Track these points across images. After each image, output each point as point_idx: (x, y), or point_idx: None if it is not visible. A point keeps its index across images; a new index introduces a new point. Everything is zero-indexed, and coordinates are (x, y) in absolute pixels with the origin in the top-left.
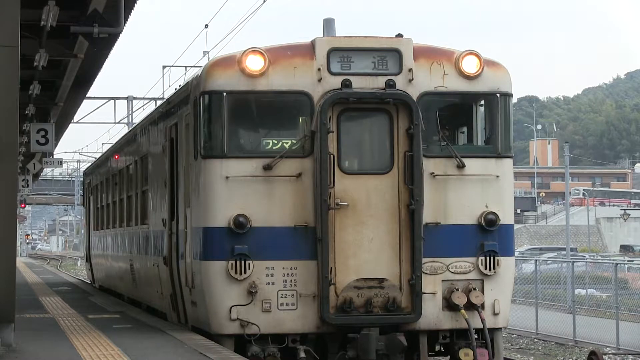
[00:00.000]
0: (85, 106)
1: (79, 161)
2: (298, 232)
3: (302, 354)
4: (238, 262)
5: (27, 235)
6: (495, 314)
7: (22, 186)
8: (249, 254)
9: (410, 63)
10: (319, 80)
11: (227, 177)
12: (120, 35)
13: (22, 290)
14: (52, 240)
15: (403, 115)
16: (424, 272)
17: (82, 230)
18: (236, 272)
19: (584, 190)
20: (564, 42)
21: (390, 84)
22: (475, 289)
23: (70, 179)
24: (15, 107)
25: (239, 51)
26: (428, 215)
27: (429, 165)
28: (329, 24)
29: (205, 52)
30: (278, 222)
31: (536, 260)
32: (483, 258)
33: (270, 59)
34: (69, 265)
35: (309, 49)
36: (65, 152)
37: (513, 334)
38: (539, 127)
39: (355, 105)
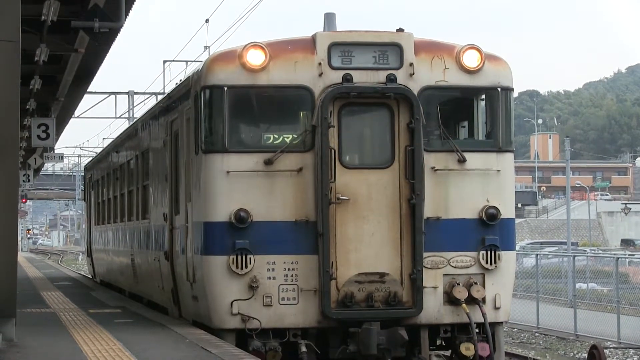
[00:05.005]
0: (86, 101)
1: (79, 156)
2: (299, 226)
3: (304, 349)
4: (239, 257)
5: (28, 230)
6: (496, 308)
7: (23, 181)
8: (250, 248)
9: (411, 57)
10: (320, 74)
11: (228, 172)
12: (121, 30)
13: (23, 285)
14: (53, 235)
15: (404, 110)
16: (425, 267)
17: (83, 225)
18: (237, 267)
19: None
20: (565, 36)
21: (391, 79)
22: (476, 283)
23: (71, 173)
24: (16, 102)
25: (239, 46)
26: (429, 210)
27: (430, 160)
28: (329, 19)
29: (206, 47)
30: (279, 216)
31: (537, 255)
32: (484, 252)
33: (271, 53)
34: (70, 260)
35: (310, 44)
36: (66, 147)
37: (514, 328)
38: (540, 121)
39: (356, 99)
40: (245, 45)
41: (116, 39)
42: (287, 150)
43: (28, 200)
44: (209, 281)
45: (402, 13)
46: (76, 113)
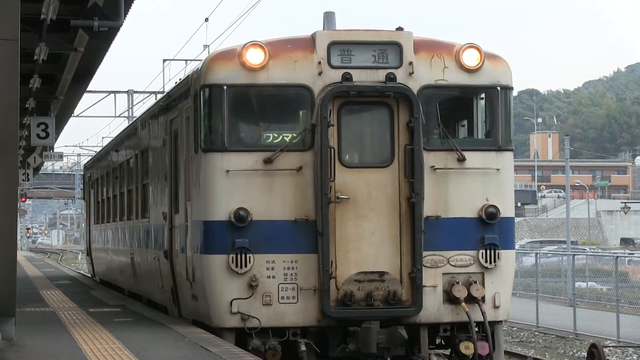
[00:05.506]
0: (86, 100)
1: (79, 155)
2: (299, 225)
3: (303, 348)
4: (239, 256)
5: (28, 229)
6: (495, 307)
7: (23, 180)
8: (249, 247)
9: (411, 56)
10: (320, 73)
11: (227, 171)
12: (121, 28)
13: (22, 284)
14: (53, 234)
15: (403, 109)
16: (424, 266)
17: (83, 224)
18: (237, 266)
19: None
20: (565, 35)
21: (390, 78)
22: (475, 282)
23: (70, 172)
24: (16, 100)
25: (239, 45)
26: (429, 209)
27: (430, 159)
28: (329, 18)
29: (206, 46)
30: (279, 215)
31: (537, 254)
32: (484, 251)
33: (271, 52)
34: (70, 259)
35: (310, 43)
36: (65, 146)
37: (514, 327)
38: (540, 120)
39: (355, 98)
40: (245, 44)
41: (115, 37)
42: (287, 149)
43: (27, 199)
44: (209, 280)
45: (402, 12)
46: (76, 112)
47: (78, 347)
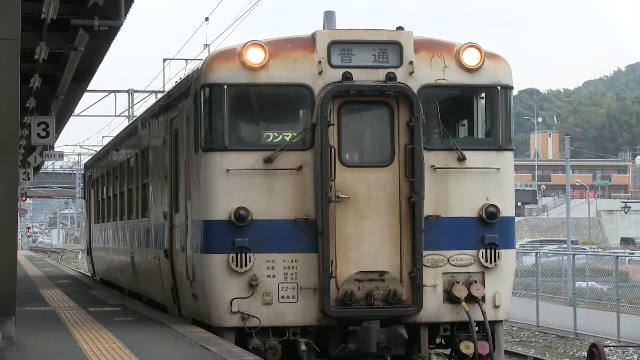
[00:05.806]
0: (86, 99)
1: (79, 154)
2: (299, 225)
3: (303, 347)
4: (239, 255)
5: (28, 228)
6: (496, 307)
7: (23, 179)
8: (249, 247)
9: (411, 56)
10: (320, 73)
11: (227, 170)
12: (121, 28)
13: (23, 283)
14: (53, 234)
15: (404, 108)
16: (424, 265)
17: (83, 223)
18: (237, 265)
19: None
20: (565, 34)
21: (390, 77)
22: (476, 282)
23: (70, 172)
24: (16, 100)
25: (239, 44)
26: (429, 208)
27: (430, 158)
28: (329, 17)
29: (206, 45)
30: (279, 215)
31: (537, 253)
32: (484, 251)
33: (271, 51)
34: (70, 259)
35: (310, 42)
36: (66, 145)
37: (514, 327)
38: (540, 119)
39: (356, 98)
40: (245, 44)
41: (116, 37)
42: (287, 149)
43: (28, 199)
44: (209, 279)
45: (402, 12)
46: (76, 111)
47: (78, 346)
